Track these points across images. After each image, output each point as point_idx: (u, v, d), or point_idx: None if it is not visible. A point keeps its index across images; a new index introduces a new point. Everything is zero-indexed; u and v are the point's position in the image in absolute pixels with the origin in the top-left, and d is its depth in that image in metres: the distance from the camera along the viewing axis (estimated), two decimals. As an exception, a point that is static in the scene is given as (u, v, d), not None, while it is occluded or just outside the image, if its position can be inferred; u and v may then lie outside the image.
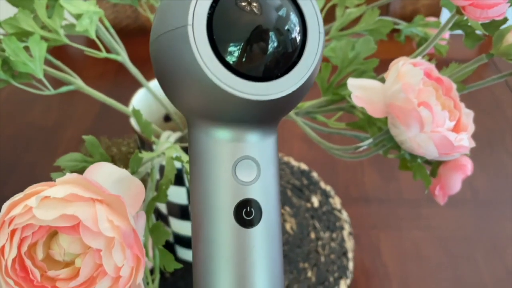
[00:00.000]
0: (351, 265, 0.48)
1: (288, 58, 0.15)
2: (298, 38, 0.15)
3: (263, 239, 0.16)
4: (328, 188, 0.56)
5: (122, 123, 0.53)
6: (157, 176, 0.36)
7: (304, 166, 0.59)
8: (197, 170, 0.17)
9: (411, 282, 0.47)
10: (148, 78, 0.46)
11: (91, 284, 0.20)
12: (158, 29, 0.16)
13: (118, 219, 0.20)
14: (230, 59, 0.15)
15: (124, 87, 0.48)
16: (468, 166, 0.33)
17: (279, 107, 0.16)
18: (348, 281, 0.47)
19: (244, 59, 0.15)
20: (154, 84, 0.46)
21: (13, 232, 0.19)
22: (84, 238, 0.19)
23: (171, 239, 0.49)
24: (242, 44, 0.15)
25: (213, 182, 0.16)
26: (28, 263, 0.20)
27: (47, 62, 0.37)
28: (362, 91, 0.27)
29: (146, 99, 0.45)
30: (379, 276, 0.48)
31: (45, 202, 0.19)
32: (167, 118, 0.49)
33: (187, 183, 0.42)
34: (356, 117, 0.34)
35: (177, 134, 0.45)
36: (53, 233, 0.20)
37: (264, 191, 0.16)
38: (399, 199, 0.55)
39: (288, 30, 0.15)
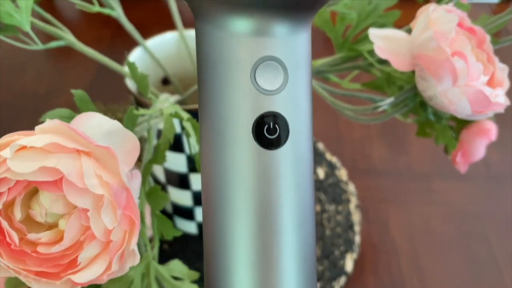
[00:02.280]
0: (357, 238, 0.46)
1: None
2: None
3: (290, 165, 0.13)
4: (334, 159, 0.53)
5: (118, 89, 0.50)
6: (154, 140, 0.33)
7: (309, 137, 0.56)
8: (206, 76, 0.13)
9: (420, 258, 0.45)
10: (146, 32, 0.42)
11: (77, 249, 0.17)
12: None
13: (108, 175, 0.17)
14: None
15: (120, 52, 0.45)
16: (493, 131, 0.30)
17: None
18: (355, 255, 0.45)
19: None
20: (152, 43, 0.42)
21: (-15, 188, 0.16)
22: (68, 195, 0.16)
23: (169, 209, 0.46)
24: None
25: (226, 90, 0.12)
26: (4, 224, 0.17)
27: (37, 16, 0.33)
28: (385, 42, 0.24)
29: (143, 59, 0.42)
30: (387, 251, 0.45)
31: (22, 153, 0.16)
32: (165, 81, 0.46)
33: (186, 150, 0.40)
34: (372, 78, 0.31)
35: (176, 97, 0.42)
36: (33, 191, 0.18)
37: (293, 104, 0.13)
38: (408, 172, 0.53)
39: None
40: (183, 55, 0.44)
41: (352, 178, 0.52)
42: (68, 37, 0.37)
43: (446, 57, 0.21)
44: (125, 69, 0.38)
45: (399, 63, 0.23)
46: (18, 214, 0.17)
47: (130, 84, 0.39)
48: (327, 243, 0.46)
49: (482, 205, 0.49)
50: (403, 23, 0.31)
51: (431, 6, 0.23)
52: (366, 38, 0.30)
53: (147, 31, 0.48)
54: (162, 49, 0.43)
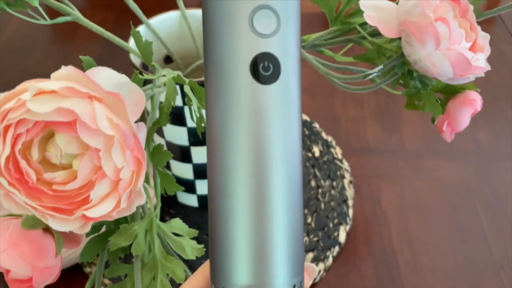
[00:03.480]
0: (351, 212, 0.48)
1: None
2: None
3: (281, 98, 0.15)
4: (329, 138, 0.55)
5: (122, 69, 0.51)
6: (156, 113, 0.34)
7: (305, 117, 0.58)
8: (211, 23, 0.15)
9: (411, 230, 0.47)
10: (148, 17, 0.44)
11: (90, 188, 0.19)
12: None
13: (118, 119, 0.19)
14: None
15: (124, 36, 0.47)
16: (478, 101, 0.32)
17: None
18: (348, 227, 0.46)
19: None
20: (154, 21, 0.44)
21: (6, 129, 0.18)
22: (81, 135, 0.18)
23: (170, 183, 0.48)
24: None
25: (229, 34, 0.15)
26: (22, 163, 0.19)
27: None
28: (375, 11, 0.26)
29: (146, 37, 0.44)
30: (378, 224, 0.47)
31: (39, 96, 0.18)
32: (167, 60, 0.47)
33: (188, 123, 0.41)
34: (364, 52, 0.33)
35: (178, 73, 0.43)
36: (48, 135, 0.19)
37: (284, 47, 0.15)
38: (401, 151, 0.54)
39: None
40: (185, 33, 0.46)
41: (346, 156, 0.53)
42: (74, 13, 0.38)
43: (430, 22, 0.23)
44: (130, 44, 0.40)
45: (387, 30, 0.25)
46: (35, 154, 0.19)
47: (134, 59, 0.40)
48: (321, 216, 0.47)
49: (471, 181, 0.51)
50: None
51: (417, -24, 0.25)
52: (358, 12, 0.31)
53: (150, 15, 0.49)
54: (164, 28, 0.45)
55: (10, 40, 0.72)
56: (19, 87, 0.18)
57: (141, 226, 0.28)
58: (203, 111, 0.32)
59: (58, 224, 0.19)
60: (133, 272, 0.28)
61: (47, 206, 0.19)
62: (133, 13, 0.40)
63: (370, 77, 0.29)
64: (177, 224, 0.29)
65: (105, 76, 0.20)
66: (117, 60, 0.41)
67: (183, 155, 0.44)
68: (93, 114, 0.18)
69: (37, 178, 0.19)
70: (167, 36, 0.45)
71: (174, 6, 0.45)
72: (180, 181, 0.48)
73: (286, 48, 0.15)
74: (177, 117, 0.41)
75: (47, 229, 0.22)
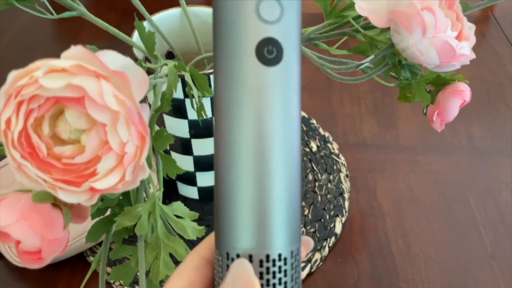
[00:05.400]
0: (347, 204, 0.49)
1: None
2: None
3: (282, 78, 0.17)
4: (326, 134, 0.57)
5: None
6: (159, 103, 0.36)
7: (303, 114, 0.59)
8: (222, 12, 0.17)
9: (405, 221, 0.48)
10: (151, 14, 0.46)
11: (97, 162, 0.20)
12: None
13: (123, 96, 0.20)
14: None
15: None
16: (467, 92, 0.33)
17: None
18: (344, 219, 0.48)
19: None
20: (156, 18, 0.45)
21: (19, 104, 0.19)
22: (89, 110, 0.19)
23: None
24: None
25: (238, 19, 0.16)
26: (34, 137, 0.20)
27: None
28: (366, 2, 0.27)
29: (148, 33, 0.45)
30: (374, 215, 0.49)
31: (51, 74, 0.19)
32: (169, 56, 0.49)
33: (189, 115, 0.43)
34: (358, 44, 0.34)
35: (179, 68, 0.45)
36: (58, 113, 0.21)
37: (286, 33, 0.17)
38: (396, 146, 0.56)
39: None
40: (186, 30, 0.47)
41: (342, 151, 0.55)
42: (80, 9, 0.40)
43: (417, 11, 0.24)
44: (133, 38, 0.41)
45: (377, 20, 0.27)
46: (46, 129, 0.20)
47: (138, 53, 0.42)
48: (318, 208, 0.49)
49: (464, 174, 0.52)
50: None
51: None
52: (351, 6, 0.33)
53: (152, 14, 0.50)
54: (166, 24, 0.46)
55: (15, 39, 0.74)
56: (31, 66, 0.20)
57: (144, 208, 0.29)
58: (203, 100, 0.33)
59: (67, 196, 0.20)
60: (137, 252, 0.29)
61: (56, 179, 0.20)
62: (135, 14, 0.42)
63: (362, 66, 0.30)
64: (178, 207, 0.31)
65: (111, 58, 0.21)
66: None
67: (184, 147, 0.45)
68: (101, 91, 0.19)
69: (47, 152, 0.20)
70: (169, 33, 0.46)
71: (176, 4, 0.47)
72: (181, 174, 0.49)
73: (288, 34, 0.17)
74: (178, 110, 0.42)
75: (55, 204, 0.23)
